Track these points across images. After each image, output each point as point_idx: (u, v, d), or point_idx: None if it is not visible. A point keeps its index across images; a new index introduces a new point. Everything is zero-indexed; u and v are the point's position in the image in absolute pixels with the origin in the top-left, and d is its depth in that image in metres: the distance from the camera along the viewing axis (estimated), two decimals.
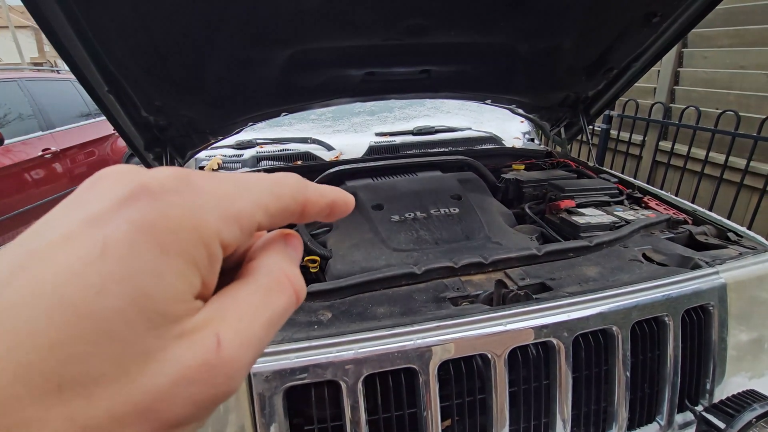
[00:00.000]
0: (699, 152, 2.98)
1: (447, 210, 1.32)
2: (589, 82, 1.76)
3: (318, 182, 0.24)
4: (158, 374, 0.17)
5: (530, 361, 0.83)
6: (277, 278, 0.21)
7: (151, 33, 1.15)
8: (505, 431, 0.82)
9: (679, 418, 0.93)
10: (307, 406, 0.77)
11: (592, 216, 1.32)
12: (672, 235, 1.19)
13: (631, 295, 0.88)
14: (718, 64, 3.05)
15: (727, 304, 0.94)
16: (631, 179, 1.61)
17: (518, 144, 2.22)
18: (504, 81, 1.82)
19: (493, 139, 2.21)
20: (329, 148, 2.08)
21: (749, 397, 0.82)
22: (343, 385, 0.75)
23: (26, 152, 3.49)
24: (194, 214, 0.18)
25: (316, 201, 0.24)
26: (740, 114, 2.64)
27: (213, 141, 1.80)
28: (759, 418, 0.77)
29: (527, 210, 1.48)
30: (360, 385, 0.75)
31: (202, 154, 1.89)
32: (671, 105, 3.34)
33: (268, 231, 0.24)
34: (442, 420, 0.80)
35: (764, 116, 2.51)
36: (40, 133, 3.71)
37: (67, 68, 1.35)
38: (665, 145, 3.35)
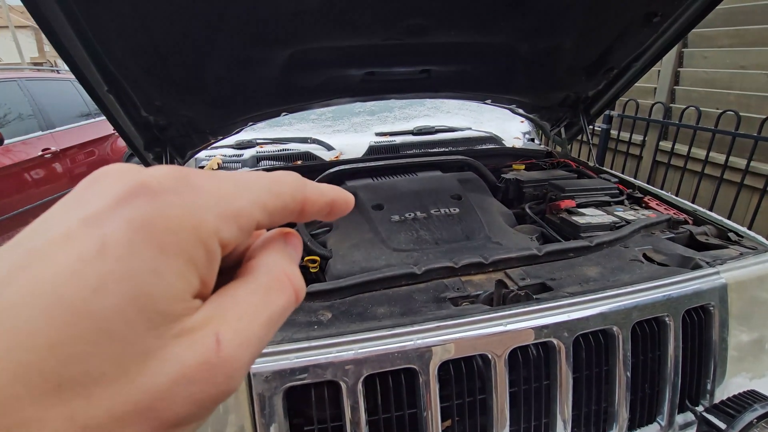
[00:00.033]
0: (699, 152, 2.98)
1: (447, 210, 1.32)
2: (589, 82, 1.76)
3: (318, 182, 0.24)
4: (158, 374, 0.16)
5: (530, 362, 0.83)
6: (277, 277, 0.21)
7: (151, 33, 1.15)
8: (505, 431, 0.82)
9: (679, 419, 0.93)
10: (307, 406, 0.77)
11: (592, 216, 1.31)
12: (672, 235, 1.19)
13: (632, 295, 0.88)
14: (718, 64, 3.05)
15: (728, 304, 0.94)
16: (632, 179, 1.60)
17: (518, 144, 2.22)
18: (504, 81, 1.82)
19: (493, 139, 2.20)
20: (329, 148, 2.08)
21: (750, 398, 0.82)
22: (343, 386, 0.75)
23: (26, 152, 3.49)
24: (193, 213, 0.18)
25: (316, 199, 0.24)
26: (740, 114, 2.64)
27: (213, 141, 1.80)
28: (760, 418, 0.77)
29: (527, 210, 1.48)
30: (360, 386, 0.75)
31: (202, 154, 1.89)
32: (671, 105, 3.34)
33: (268, 230, 0.24)
34: (443, 420, 0.80)
35: (764, 116, 2.51)
36: (40, 133, 3.71)
37: (67, 68, 1.35)
38: (665, 145, 3.35)
